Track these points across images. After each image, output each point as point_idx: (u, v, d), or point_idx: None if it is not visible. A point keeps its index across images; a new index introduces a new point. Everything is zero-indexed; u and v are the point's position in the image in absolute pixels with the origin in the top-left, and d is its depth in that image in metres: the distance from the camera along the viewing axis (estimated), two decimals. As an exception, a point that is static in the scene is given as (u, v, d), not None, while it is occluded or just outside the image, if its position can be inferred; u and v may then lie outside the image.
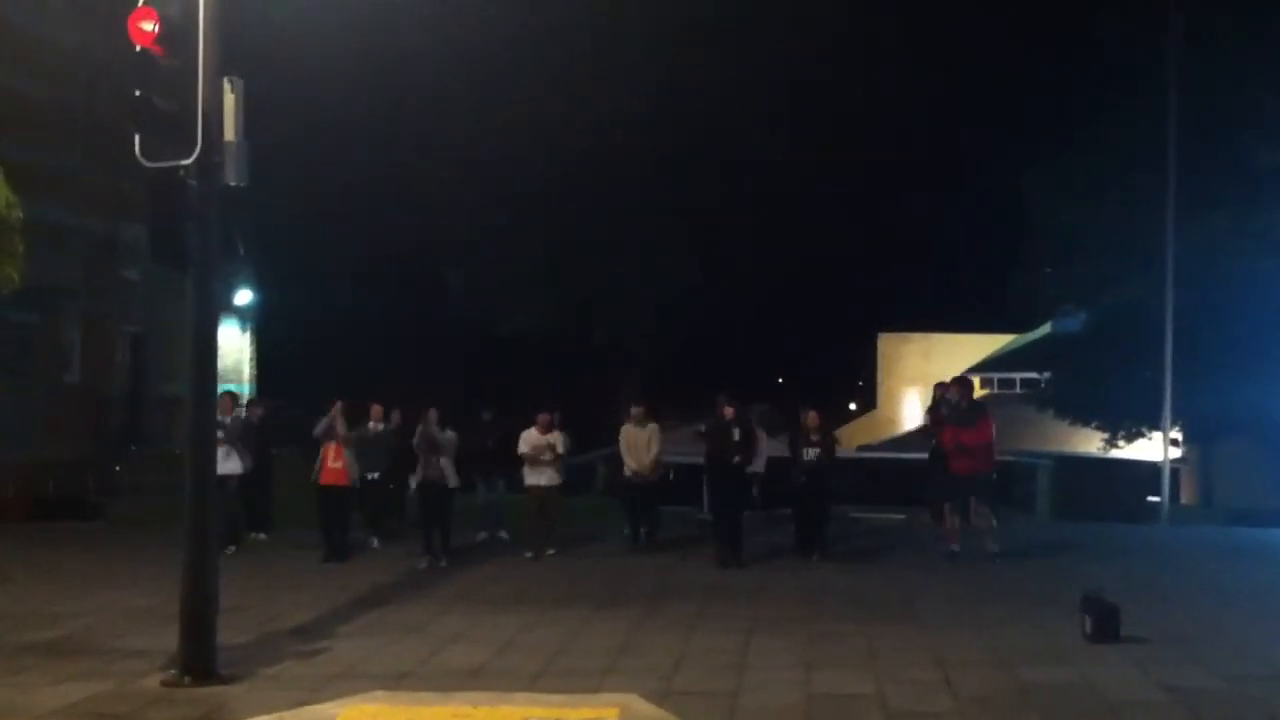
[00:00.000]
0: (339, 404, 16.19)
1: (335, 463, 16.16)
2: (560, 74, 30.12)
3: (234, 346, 29.39)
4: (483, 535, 17.75)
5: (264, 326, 31.54)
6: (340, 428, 16.09)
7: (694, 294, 35.14)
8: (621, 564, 15.50)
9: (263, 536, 17.41)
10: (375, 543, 17.02)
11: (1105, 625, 10.56)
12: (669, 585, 13.85)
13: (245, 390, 28.44)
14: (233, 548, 15.43)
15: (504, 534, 17.81)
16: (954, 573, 14.81)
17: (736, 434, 15.84)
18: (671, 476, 18.55)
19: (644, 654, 10.26)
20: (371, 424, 17.10)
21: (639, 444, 16.62)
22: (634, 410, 17.14)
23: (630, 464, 16.67)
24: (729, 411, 15.89)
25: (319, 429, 16.10)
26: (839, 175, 33.37)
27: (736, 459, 15.83)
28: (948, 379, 18.18)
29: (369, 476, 16.97)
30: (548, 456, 16.27)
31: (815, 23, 30.51)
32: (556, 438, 16.38)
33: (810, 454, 15.90)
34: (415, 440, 15.86)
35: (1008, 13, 37.81)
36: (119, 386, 26.02)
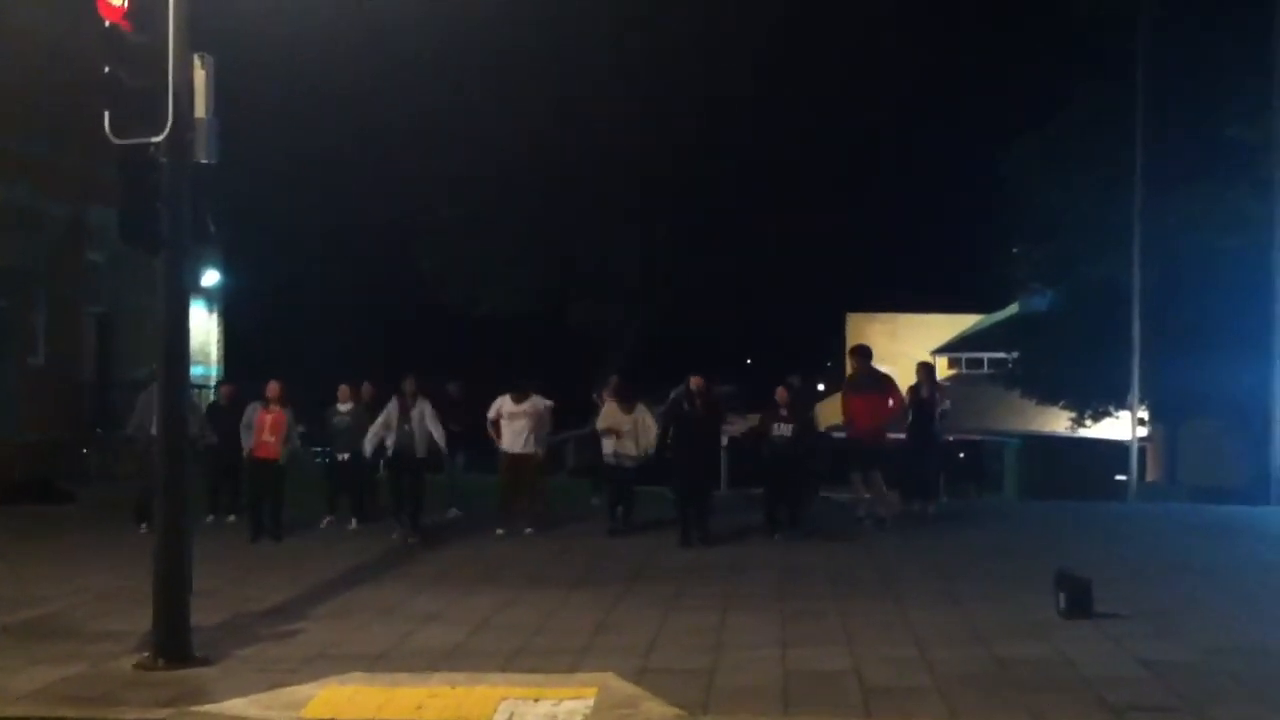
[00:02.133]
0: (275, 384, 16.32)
1: (269, 436, 16.08)
2: (533, 52, 30.00)
3: (201, 328, 29.14)
4: (451, 512, 17.74)
5: (232, 308, 31.31)
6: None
7: (664, 274, 35.15)
8: (597, 544, 15.47)
9: (232, 518, 17.31)
10: (353, 523, 16.97)
11: (1078, 601, 10.62)
12: (645, 565, 13.83)
13: (213, 372, 28.27)
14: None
15: (455, 511, 17.77)
16: (927, 551, 14.85)
17: (699, 404, 15.68)
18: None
19: (621, 633, 10.26)
20: (339, 405, 17.05)
21: (624, 425, 16.38)
22: (621, 391, 16.91)
23: (612, 445, 16.38)
24: (696, 381, 15.75)
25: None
26: (808, 154, 33.38)
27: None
28: (930, 359, 18.49)
29: (340, 458, 16.97)
30: (627, 427, 16.18)
31: (786, 7, 30.53)
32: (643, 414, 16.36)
33: (782, 429, 15.86)
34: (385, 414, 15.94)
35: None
36: (86, 370, 25.80)
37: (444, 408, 17.33)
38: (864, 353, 17.52)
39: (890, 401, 16.79)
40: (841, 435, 18.03)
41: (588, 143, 30.58)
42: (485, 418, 16.66)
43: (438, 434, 16.26)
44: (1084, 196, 29.84)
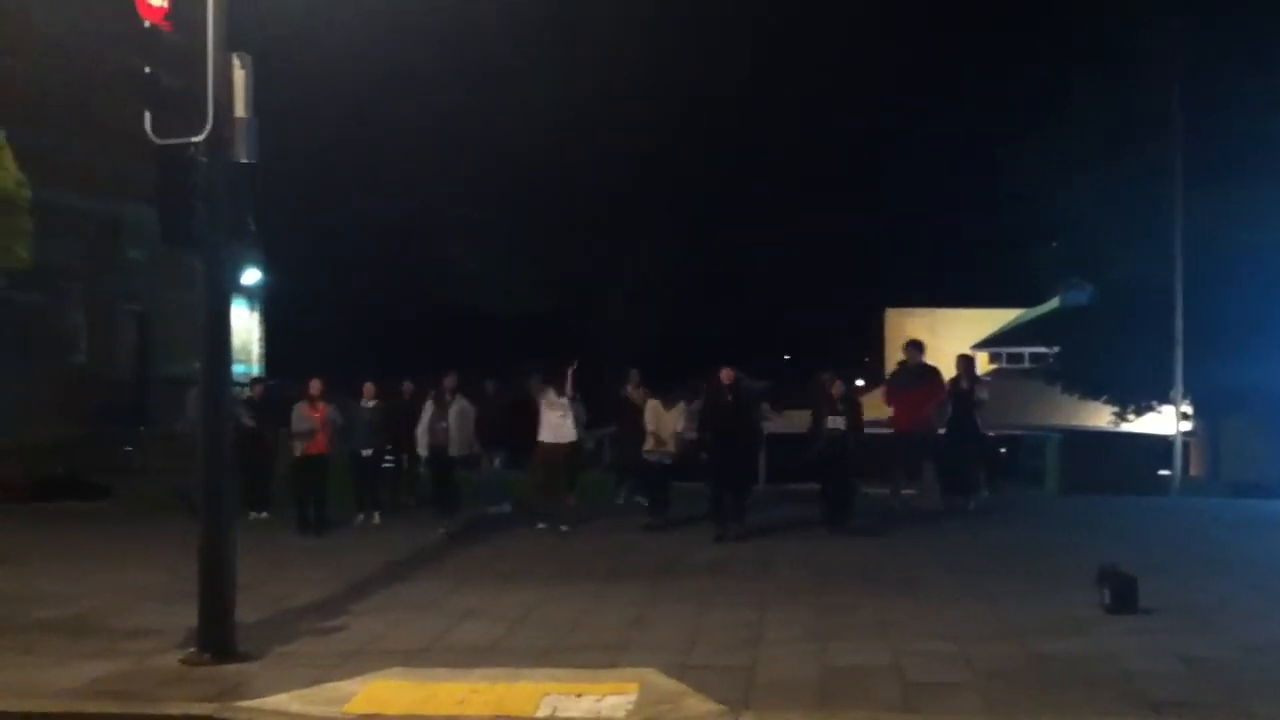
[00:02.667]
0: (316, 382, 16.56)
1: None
2: (554, 52, 30.08)
3: (243, 326, 29.40)
4: (492, 509, 17.80)
5: (272, 306, 31.52)
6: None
7: (697, 271, 35.14)
8: (630, 539, 15.47)
9: (264, 515, 17.41)
10: (376, 518, 17.08)
11: (1123, 597, 10.53)
12: (678, 560, 13.83)
13: (254, 370, 28.47)
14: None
15: (506, 507, 17.82)
16: (966, 546, 14.77)
17: (730, 398, 15.61)
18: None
19: (658, 628, 10.26)
20: (364, 402, 17.16)
21: (665, 420, 16.32)
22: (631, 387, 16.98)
23: (653, 442, 16.34)
24: (726, 374, 15.69)
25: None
26: (844, 150, 33.30)
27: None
28: (970, 353, 18.48)
29: (364, 454, 17.11)
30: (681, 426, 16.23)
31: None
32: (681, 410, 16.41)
33: (835, 422, 15.73)
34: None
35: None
36: (125, 367, 26.03)
37: (481, 406, 17.42)
38: (917, 346, 17.49)
39: (934, 393, 16.73)
40: (886, 430, 17.93)
41: (616, 141, 30.63)
42: (518, 413, 16.71)
43: (465, 435, 16.33)
44: (1121, 190, 29.58)
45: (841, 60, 31.41)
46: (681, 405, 16.45)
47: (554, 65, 30.29)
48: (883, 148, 35.54)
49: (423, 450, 16.56)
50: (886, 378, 17.72)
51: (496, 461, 18.43)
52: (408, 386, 17.64)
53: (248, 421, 17.13)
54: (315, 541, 15.61)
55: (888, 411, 17.79)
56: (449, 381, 16.33)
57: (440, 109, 30.13)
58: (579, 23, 29.65)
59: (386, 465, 17.70)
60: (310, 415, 16.39)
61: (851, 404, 16.15)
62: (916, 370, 17.29)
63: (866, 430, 17.53)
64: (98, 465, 22.26)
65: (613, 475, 19.41)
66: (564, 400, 16.30)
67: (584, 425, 17.36)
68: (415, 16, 28.35)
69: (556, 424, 16.30)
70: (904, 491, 16.98)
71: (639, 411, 16.73)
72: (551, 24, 29.67)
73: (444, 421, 16.15)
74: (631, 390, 17.82)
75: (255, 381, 19.70)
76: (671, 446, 16.18)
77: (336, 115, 30.29)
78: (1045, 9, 33.00)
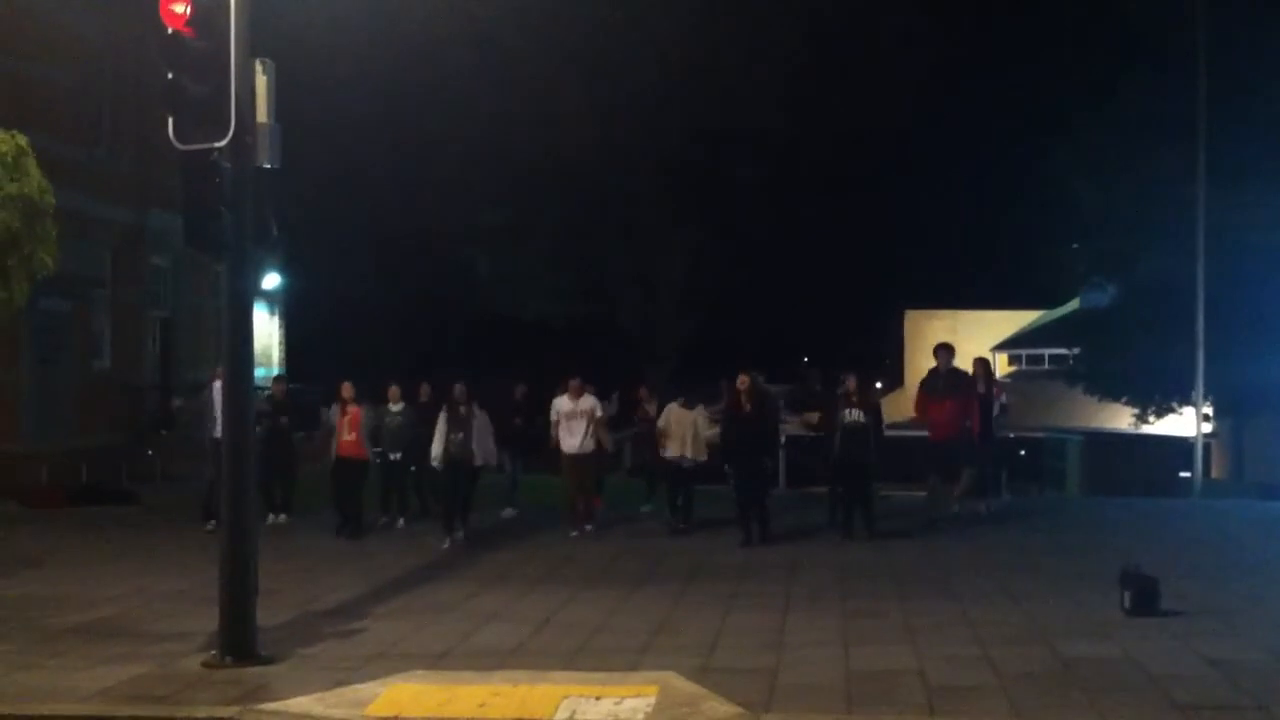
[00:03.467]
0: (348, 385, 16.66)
1: (349, 435, 16.46)
2: (578, 58, 30.14)
3: (263, 330, 29.49)
4: (509, 512, 17.80)
5: (292, 310, 31.63)
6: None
7: (716, 275, 35.13)
8: (654, 543, 15.48)
9: (284, 518, 17.46)
10: (401, 522, 17.12)
11: (1144, 599, 10.51)
12: (702, 564, 13.83)
13: (274, 374, 28.56)
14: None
15: (511, 510, 17.83)
16: (987, 549, 14.74)
17: (748, 405, 15.57)
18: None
19: (681, 632, 10.26)
20: (390, 405, 17.16)
21: (686, 425, 16.30)
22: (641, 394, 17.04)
23: (674, 447, 16.30)
24: (742, 381, 15.64)
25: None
26: (864, 151, 33.25)
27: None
28: (989, 355, 18.30)
29: (391, 457, 17.12)
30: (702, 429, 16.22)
31: (839, 2, 30.43)
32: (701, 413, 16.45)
33: (853, 414, 15.57)
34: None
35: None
36: (149, 373, 26.15)
37: (510, 409, 17.43)
38: (947, 349, 17.08)
39: (970, 401, 16.53)
40: (901, 433, 17.86)
41: (634, 144, 30.68)
42: (546, 418, 16.70)
43: (487, 447, 16.16)
44: (1142, 191, 29.52)
45: (865, 62, 31.39)
46: (701, 408, 16.47)
47: (581, 72, 30.35)
48: (904, 149, 35.48)
49: (438, 463, 15.96)
50: (920, 385, 17.34)
51: (519, 461, 18.38)
52: (425, 389, 17.63)
53: (281, 420, 17.23)
54: (340, 545, 15.64)
55: (912, 414, 17.63)
56: (459, 393, 15.75)
57: (467, 114, 30.22)
58: (606, 29, 29.70)
59: (413, 469, 17.68)
60: (341, 419, 16.53)
61: (869, 403, 16.10)
62: (949, 376, 16.92)
63: (898, 433, 17.48)
64: (123, 471, 22.37)
65: (640, 480, 19.29)
66: (580, 409, 16.30)
67: (614, 424, 17.21)
68: (445, 23, 28.48)
69: (573, 432, 16.30)
70: (941, 497, 16.75)
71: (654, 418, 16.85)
72: (579, 30, 29.71)
73: (459, 433, 15.69)
74: (645, 398, 17.95)
75: (276, 380, 19.64)
76: (690, 450, 16.16)
77: (362, 119, 30.39)
78: (1071, 9, 32.96)
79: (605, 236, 33.34)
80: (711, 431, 16.30)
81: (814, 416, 17.36)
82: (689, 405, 16.37)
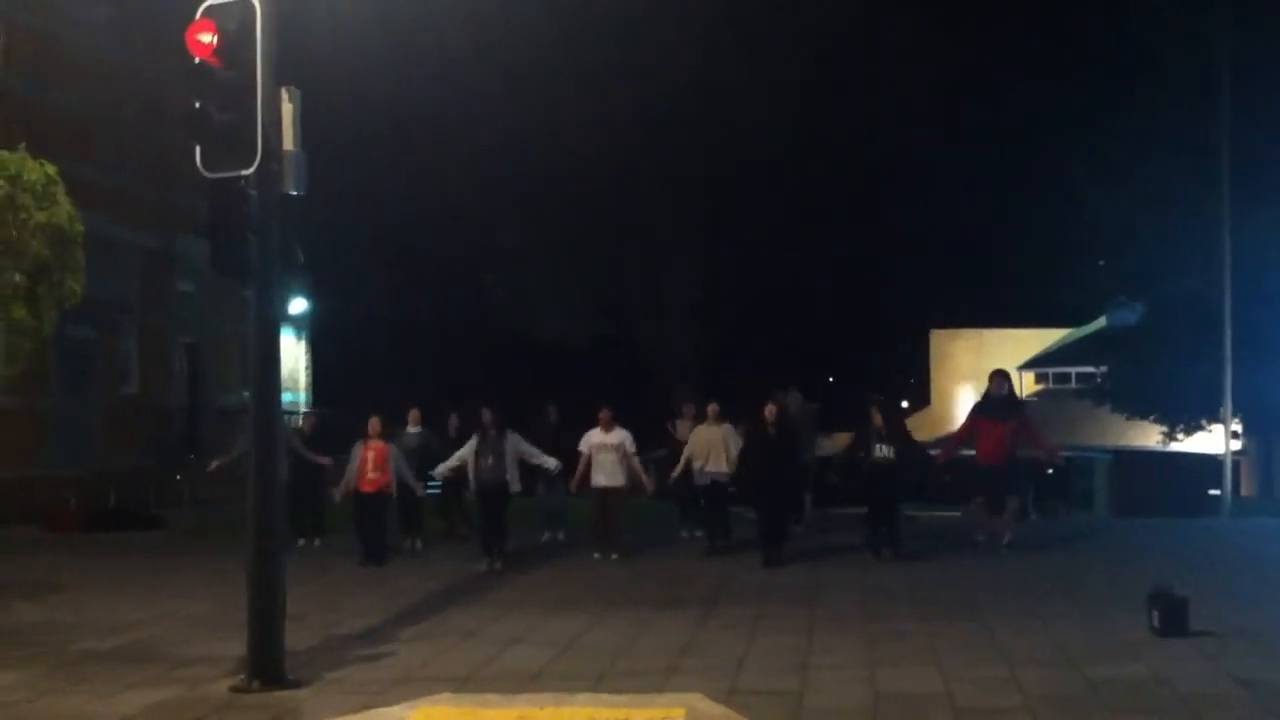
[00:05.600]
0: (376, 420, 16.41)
1: (373, 473, 16.20)
2: (594, 79, 30.23)
3: (289, 355, 29.66)
4: (546, 536, 17.81)
5: (318, 335, 31.79)
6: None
7: (742, 294, 35.11)
8: (676, 566, 15.47)
9: (316, 544, 17.53)
10: (419, 545, 17.15)
11: (1174, 619, 10.43)
12: (725, 586, 13.81)
13: (301, 399, 28.70)
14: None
15: (560, 535, 17.85)
16: (1014, 569, 14.68)
17: (773, 431, 15.57)
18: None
19: (706, 654, 10.24)
20: (409, 428, 17.19)
21: (715, 444, 16.30)
22: (709, 409, 16.69)
23: (703, 464, 16.32)
24: (770, 410, 15.63)
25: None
26: (890, 170, 33.23)
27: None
28: (1010, 370, 18.15)
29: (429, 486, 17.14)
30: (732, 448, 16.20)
31: (857, 19, 30.46)
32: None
33: (883, 450, 15.61)
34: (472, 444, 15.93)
35: (1058, 3, 37.58)
36: (176, 397, 26.31)
37: (543, 430, 17.41)
38: (1003, 376, 16.80)
39: (1023, 427, 16.32)
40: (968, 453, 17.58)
41: (658, 168, 30.74)
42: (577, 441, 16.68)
43: (541, 460, 16.09)
44: (1168, 208, 29.40)
45: (888, 81, 31.42)
46: (728, 427, 16.44)
47: (600, 92, 30.44)
48: (929, 168, 35.46)
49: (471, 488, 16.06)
50: (972, 408, 17.10)
51: (558, 484, 18.24)
52: (454, 420, 17.66)
53: (316, 458, 17.19)
54: (368, 570, 15.67)
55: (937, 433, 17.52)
56: (487, 417, 15.77)
57: (487, 137, 30.35)
58: (624, 49, 29.80)
59: (431, 492, 17.71)
60: (365, 455, 16.22)
61: (898, 432, 16.06)
62: (1001, 401, 16.56)
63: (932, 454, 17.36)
64: (150, 496, 22.50)
65: (671, 503, 19.20)
66: (611, 442, 16.25)
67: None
68: (463, 46, 28.64)
69: (604, 466, 16.25)
70: (988, 521, 16.51)
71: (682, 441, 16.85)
72: (597, 50, 29.82)
73: (489, 457, 15.69)
74: (686, 416, 17.90)
75: (307, 413, 19.76)
76: (722, 464, 16.13)
77: (383, 144, 30.55)
78: (1093, 26, 32.94)
79: (632, 256, 33.37)
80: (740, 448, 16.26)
81: (844, 438, 17.34)
82: (718, 421, 16.39)
